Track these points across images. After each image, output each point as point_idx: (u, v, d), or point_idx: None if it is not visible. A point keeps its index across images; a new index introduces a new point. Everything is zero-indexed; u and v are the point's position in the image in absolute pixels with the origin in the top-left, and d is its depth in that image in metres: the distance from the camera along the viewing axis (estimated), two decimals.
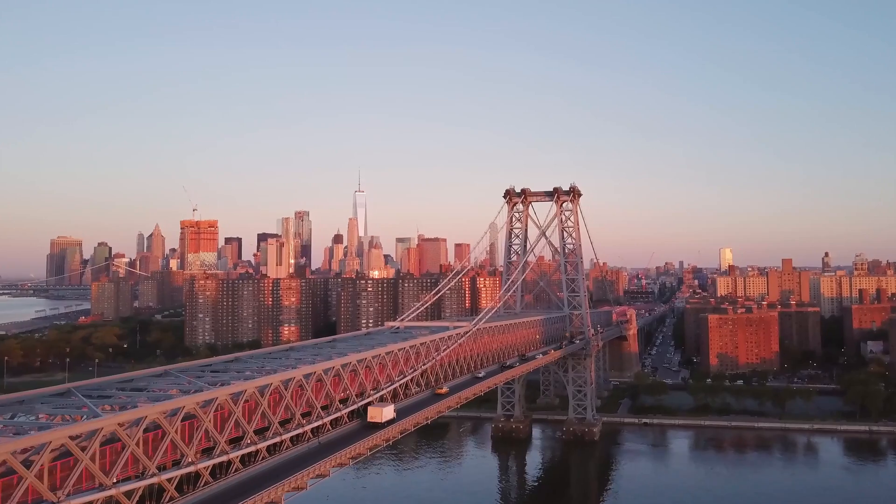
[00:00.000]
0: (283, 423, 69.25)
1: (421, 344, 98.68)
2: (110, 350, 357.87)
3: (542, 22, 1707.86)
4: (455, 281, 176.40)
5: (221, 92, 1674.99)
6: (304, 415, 72.56)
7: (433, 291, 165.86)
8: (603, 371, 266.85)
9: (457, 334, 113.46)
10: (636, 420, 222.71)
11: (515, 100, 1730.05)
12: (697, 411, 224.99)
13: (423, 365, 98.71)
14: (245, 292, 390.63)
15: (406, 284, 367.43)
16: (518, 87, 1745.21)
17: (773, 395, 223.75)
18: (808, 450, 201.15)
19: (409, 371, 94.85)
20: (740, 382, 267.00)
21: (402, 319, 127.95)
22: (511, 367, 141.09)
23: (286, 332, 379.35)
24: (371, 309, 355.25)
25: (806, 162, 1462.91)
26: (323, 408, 75.52)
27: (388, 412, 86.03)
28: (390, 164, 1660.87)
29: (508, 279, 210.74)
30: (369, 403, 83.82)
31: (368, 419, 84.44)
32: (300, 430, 70.68)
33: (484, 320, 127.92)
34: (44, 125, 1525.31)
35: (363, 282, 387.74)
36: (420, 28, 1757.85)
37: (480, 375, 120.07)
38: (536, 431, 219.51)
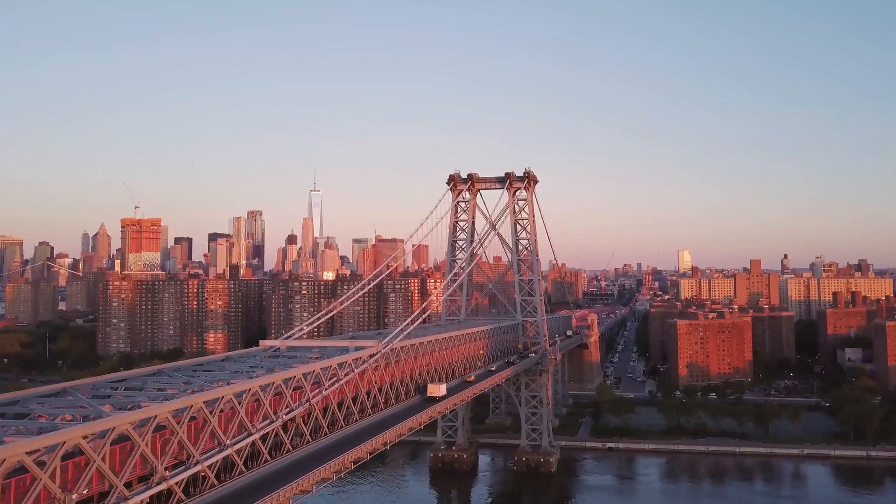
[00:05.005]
0: None
1: (285, 380, 64.28)
2: (6, 360, 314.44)
3: (522, 22, 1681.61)
4: (375, 283, 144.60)
5: (181, 93, 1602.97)
6: None
7: (339, 300, 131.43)
8: (561, 384, 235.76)
9: (357, 359, 79.51)
10: (599, 444, 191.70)
11: (478, 99, 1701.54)
12: (669, 433, 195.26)
13: (288, 412, 64.46)
14: (166, 295, 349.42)
15: (345, 287, 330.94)
16: (486, 86, 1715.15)
17: (756, 414, 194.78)
18: (796, 479, 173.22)
19: (260, 425, 60.51)
20: (713, 396, 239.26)
21: (289, 337, 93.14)
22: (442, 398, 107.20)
23: (212, 340, 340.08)
24: (305, 314, 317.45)
25: (762, 164, 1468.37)
26: None
27: (442, 389, 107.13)
28: (351, 165, 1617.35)
29: (452, 281, 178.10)
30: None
31: (428, 394, 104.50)
32: None
33: (404, 335, 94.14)
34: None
35: (296, 284, 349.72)
36: (399, 31, 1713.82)
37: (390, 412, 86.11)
38: (484, 460, 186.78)
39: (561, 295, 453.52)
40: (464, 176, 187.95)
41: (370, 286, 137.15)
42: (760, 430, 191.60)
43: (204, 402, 54.06)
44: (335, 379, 74.18)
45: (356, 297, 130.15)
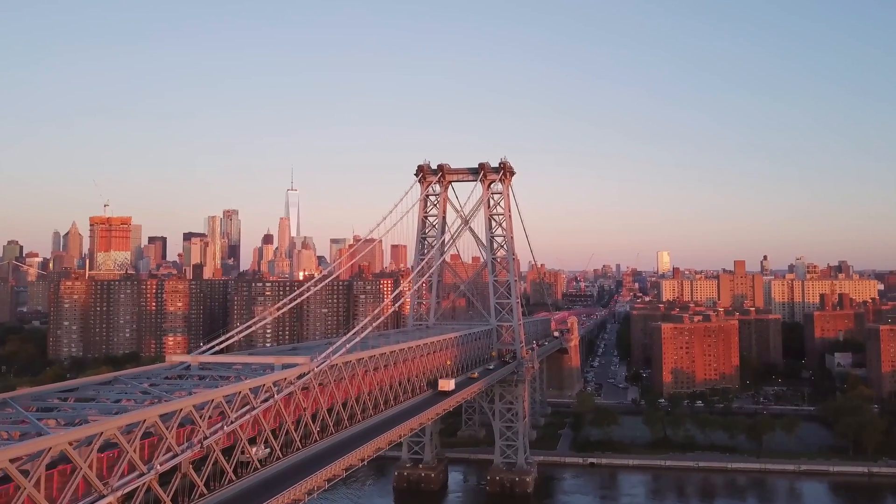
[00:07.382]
0: None
1: (164, 415, 47.84)
2: None
3: (512, 23, 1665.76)
4: (341, 284, 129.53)
5: (160, 94, 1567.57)
6: None
7: (276, 306, 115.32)
8: (539, 392, 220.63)
9: (279, 381, 62.97)
10: (580, 460, 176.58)
11: (467, 99, 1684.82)
12: (655, 447, 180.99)
13: (169, 460, 47.86)
14: (122, 296, 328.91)
15: (311, 288, 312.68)
16: (476, 87, 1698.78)
17: (748, 426, 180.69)
18: (792, 498, 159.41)
19: (118, 482, 43.80)
20: (699, 403, 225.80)
21: (206, 350, 75.90)
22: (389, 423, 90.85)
23: (171, 343, 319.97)
24: (269, 316, 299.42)
25: (742, 167, 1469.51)
26: None
27: (451, 384, 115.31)
28: (330, 165, 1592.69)
29: (418, 281, 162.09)
30: None
31: (439, 389, 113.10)
32: None
33: (347, 347, 77.72)
34: None
35: (260, 284, 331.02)
36: (390, 32, 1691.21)
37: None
38: (454, 477, 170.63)
39: (540, 296, 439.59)
40: (433, 167, 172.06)
41: (316, 289, 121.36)
42: (753, 444, 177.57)
43: (24, 457, 37.28)
44: (248, 408, 57.58)
45: (298, 300, 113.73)
